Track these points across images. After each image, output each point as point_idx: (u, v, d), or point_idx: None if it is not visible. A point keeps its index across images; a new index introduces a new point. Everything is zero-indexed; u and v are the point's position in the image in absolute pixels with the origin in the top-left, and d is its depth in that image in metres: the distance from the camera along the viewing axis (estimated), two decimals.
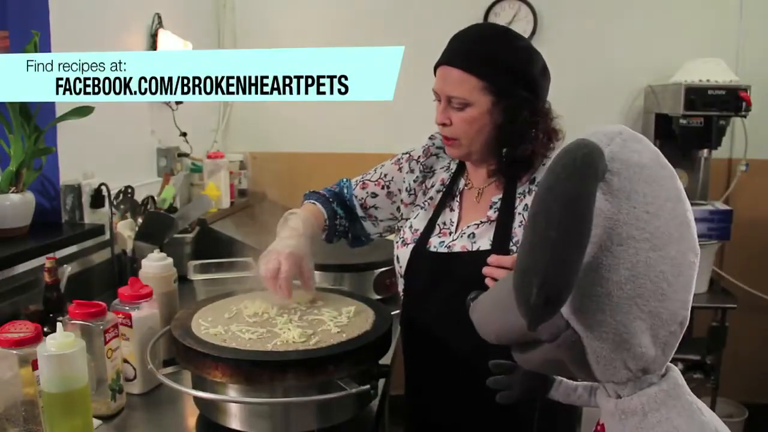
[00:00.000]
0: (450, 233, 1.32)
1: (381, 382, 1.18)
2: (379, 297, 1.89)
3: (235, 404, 1.08)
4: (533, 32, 2.88)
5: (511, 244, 1.22)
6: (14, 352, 1.03)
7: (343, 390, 1.05)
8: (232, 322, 1.18)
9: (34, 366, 1.02)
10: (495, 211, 1.27)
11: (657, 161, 0.68)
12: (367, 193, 1.45)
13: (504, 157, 1.26)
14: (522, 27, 2.88)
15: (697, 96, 2.45)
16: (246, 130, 3.08)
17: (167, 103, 2.41)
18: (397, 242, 1.41)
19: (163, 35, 2.29)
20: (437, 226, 1.34)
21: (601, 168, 0.63)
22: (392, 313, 1.28)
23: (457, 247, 1.28)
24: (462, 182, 1.37)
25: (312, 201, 1.43)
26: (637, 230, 0.65)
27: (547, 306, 0.59)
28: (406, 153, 1.47)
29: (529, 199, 1.26)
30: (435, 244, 1.32)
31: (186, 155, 2.50)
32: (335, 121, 3.04)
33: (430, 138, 1.46)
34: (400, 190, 1.43)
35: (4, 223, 1.57)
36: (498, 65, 1.21)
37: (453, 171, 1.39)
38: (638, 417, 0.69)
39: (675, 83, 2.53)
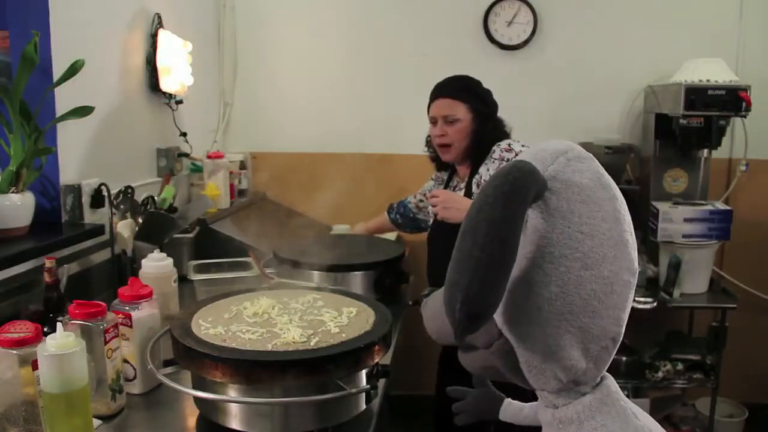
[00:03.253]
0: None
1: (381, 382, 1.18)
2: (379, 297, 1.89)
3: (235, 404, 1.08)
4: (533, 32, 2.88)
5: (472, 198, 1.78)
6: (14, 352, 1.03)
7: (343, 390, 1.05)
8: (232, 322, 1.18)
9: (34, 366, 1.02)
10: (460, 190, 2.00)
11: (599, 182, 0.70)
12: (417, 199, 2.35)
13: (476, 147, 1.94)
14: (522, 27, 2.89)
15: (697, 96, 2.45)
16: (246, 130, 3.08)
17: (167, 103, 2.41)
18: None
19: (163, 35, 2.29)
20: None
21: (533, 191, 0.64)
22: (392, 312, 1.28)
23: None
24: (455, 178, 2.10)
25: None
26: (570, 249, 0.67)
27: (470, 321, 0.60)
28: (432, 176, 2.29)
29: (482, 170, 1.91)
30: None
31: (186, 155, 2.50)
32: (335, 122, 3.05)
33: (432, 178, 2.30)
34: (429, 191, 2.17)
35: (4, 223, 1.57)
36: (473, 95, 1.96)
37: (447, 175, 2.13)
38: (574, 426, 0.71)
39: (675, 83, 2.53)
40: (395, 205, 2.41)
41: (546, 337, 0.68)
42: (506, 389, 1.08)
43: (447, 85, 2.00)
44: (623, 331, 0.71)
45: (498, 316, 0.70)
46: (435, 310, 0.81)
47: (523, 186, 0.62)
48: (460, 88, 1.96)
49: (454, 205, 1.83)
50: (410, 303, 1.94)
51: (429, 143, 2.10)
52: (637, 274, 0.71)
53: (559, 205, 0.67)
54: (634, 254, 0.71)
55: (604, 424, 0.70)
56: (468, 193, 1.92)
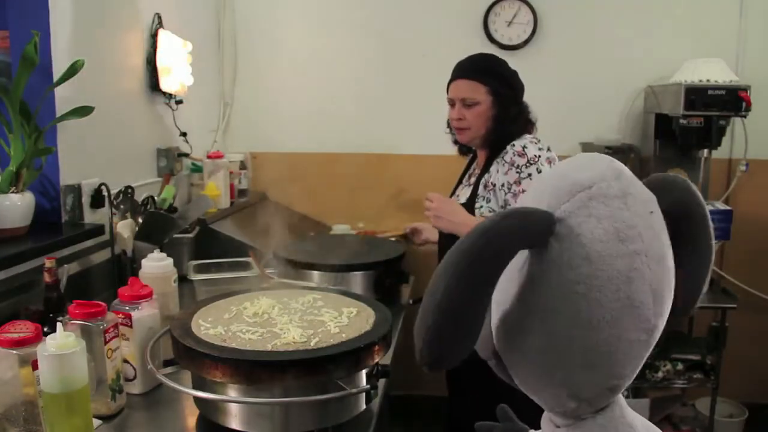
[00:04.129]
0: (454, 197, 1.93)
1: (381, 382, 1.18)
2: (379, 297, 1.89)
3: (235, 404, 1.08)
4: (533, 32, 2.88)
5: (476, 199, 1.80)
6: (14, 352, 1.03)
7: (343, 390, 1.05)
8: (232, 323, 1.18)
9: (34, 366, 1.02)
10: (474, 178, 1.87)
11: (616, 234, 0.60)
12: None
13: (492, 136, 1.79)
14: (522, 27, 2.89)
15: (697, 96, 2.45)
16: (246, 130, 3.08)
17: (167, 103, 2.41)
18: None
19: (163, 35, 2.29)
20: (453, 196, 1.96)
21: (508, 256, 0.58)
22: (392, 312, 1.28)
23: None
24: (474, 165, 1.97)
25: None
26: (562, 306, 0.60)
27: (428, 367, 0.58)
28: None
29: (493, 168, 1.78)
30: None
31: (186, 155, 2.50)
32: (335, 121, 3.05)
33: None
34: None
35: (4, 223, 1.57)
36: (496, 76, 1.80)
37: (469, 159, 2.02)
38: None
39: (675, 83, 2.53)
40: None
41: (535, 377, 0.65)
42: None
43: (468, 64, 1.85)
44: (629, 381, 0.65)
45: (495, 339, 0.68)
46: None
47: (495, 252, 0.57)
48: (481, 69, 1.80)
49: (445, 216, 1.77)
50: (410, 303, 1.94)
51: (449, 125, 1.94)
52: (654, 332, 0.63)
53: (558, 256, 0.60)
54: (650, 313, 0.62)
55: None
56: (474, 193, 1.82)
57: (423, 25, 2.96)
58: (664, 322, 0.64)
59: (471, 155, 2.00)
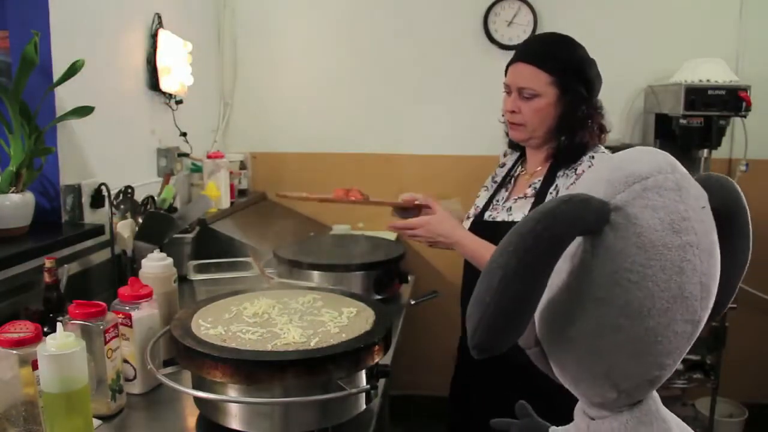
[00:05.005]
0: (499, 209, 1.58)
1: (381, 382, 1.18)
2: (379, 297, 1.89)
3: (235, 404, 1.08)
4: (533, 32, 2.88)
5: None
6: (14, 352, 1.03)
7: (343, 390, 1.05)
8: (232, 323, 1.18)
9: (34, 366, 1.02)
10: (532, 190, 1.52)
11: (671, 225, 0.61)
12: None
13: (562, 144, 1.49)
14: (522, 27, 2.89)
15: (697, 96, 2.45)
16: (246, 130, 3.08)
17: (167, 103, 2.41)
18: (465, 221, 1.67)
19: (163, 35, 2.29)
20: (492, 203, 1.61)
21: (566, 242, 0.59)
22: (392, 312, 1.28)
23: (499, 218, 1.55)
24: (519, 168, 1.64)
25: None
26: (612, 295, 0.61)
27: (478, 353, 0.60)
28: (490, 176, 1.75)
29: (560, 182, 1.48)
30: (487, 217, 1.59)
31: (186, 155, 2.50)
32: (335, 121, 3.05)
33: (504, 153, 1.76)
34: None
35: (4, 223, 1.57)
36: (565, 65, 1.46)
37: (515, 160, 1.67)
38: None
39: (675, 83, 2.53)
40: None
41: (578, 365, 0.65)
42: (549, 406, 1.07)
43: (533, 45, 1.54)
44: (669, 374, 0.66)
45: (537, 327, 0.68)
46: None
47: (554, 237, 0.57)
48: (549, 54, 1.47)
49: (440, 239, 1.50)
50: (411, 303, 1.94)
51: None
52: (699, 323, 0.64)
53: (613, 244, 0.61)
54: (698, 306, 0.63)
55: None
56: (538, 201, 1.49)
57: (423, 25, 2.96)
58: (707, 317, 0.65)
59: (519, 154, 1.68)
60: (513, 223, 1.40)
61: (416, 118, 3.01)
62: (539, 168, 1.55)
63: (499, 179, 1.67)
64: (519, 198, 1.54)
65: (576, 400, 0.80)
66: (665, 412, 0.70)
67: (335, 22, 3.01)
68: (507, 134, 1.62)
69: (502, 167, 1.71)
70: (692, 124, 2.49)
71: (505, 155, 1.73)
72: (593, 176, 0.68)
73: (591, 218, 0.60)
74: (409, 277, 2.15)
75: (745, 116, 2.52)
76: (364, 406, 1.17)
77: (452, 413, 1.69)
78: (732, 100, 2.44)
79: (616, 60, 2.92)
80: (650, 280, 0.60)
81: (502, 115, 1.61)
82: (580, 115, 1.46)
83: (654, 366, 0.64)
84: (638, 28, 2.88)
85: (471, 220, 1.64)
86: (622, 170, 0.63)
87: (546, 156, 1.54)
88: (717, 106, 2.45)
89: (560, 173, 1.48)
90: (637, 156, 0.65)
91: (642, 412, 0.67)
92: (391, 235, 2.61)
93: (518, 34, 2.88)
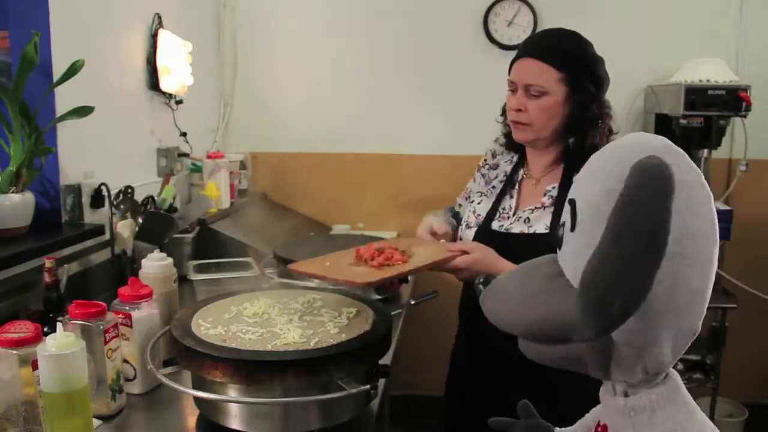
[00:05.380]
0: (508, 217, 1.48)
1: (381, 382, 1.18)
2: (379, 297, 1.89)
3: (235, 404, 1.08)
4: (533, 32, 2.88)
5: None
6: (14, 352, 1.03)
7: (343, 390, 1.05)
8: (232, 323, 1.18)
9: (34, 366, 1.02)
10: (549, 198, 1.42)
11: (699, 182, 0.70)
12: (458, 205, 1.75)
13: (571, 146, 1.42)
14: (522, 27, 2.89)
15: (697, 96, 2.45)
16: (246, 130, 3.08)
17: (167, 103, 2.41)
18: (461, 226, 1.59)
19: (163, 35, 2.29)
20: (498, 212, 1.50)
21: (674, 187, 0.64)
22: (392, 312, 1.28)
23: (515, 230, 1.44)
24: (521, 172, 1.53)
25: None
26: (681, 247, 0.67)
27: (622, 321, 0.62)
28: (479, 163, 1.66)
29: None
30: (495, 227, 1.48)
31: (186, 155, 2.50)
32: (335, 121, 3.05)
33: (495, 141, 1.63)
34: (472, 191, 1.65)
35: (4, 223, 1.57)
36: (575, 61, 1.38)
37: (514, 162, 1.55)
38: (647, 413, 0.72)
39: (675, 83, 2.53)
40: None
41: (649, 332, 0.69)
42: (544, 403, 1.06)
43: (540, 40, 1.45)
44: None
45: None
46: (515, 303, 0.78)
47: (674, 182, 0.61)
48: (558, 49, 1.38)
49: (483, 269, 1.32)
50: (411, 303, 1.94)
51: (504, 112, 1.54)
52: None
53: (678, 204, 0.65)
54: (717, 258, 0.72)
55: (674, 414, 0.72)
56: (558, 210, 1.37)
57: (423, 25, 2.96)
58: None
59: (518, 154, 1.56)
60: (534, 235, 1.38)
61: (416, 118, 3.02)
62: (547, 172, 1.47)
63: (497, 183, 1.55)
64: (536, 208, 1.43)
65: (578, 400, 0.80)
66: (686, 392, 0.75)
67: (335, 22, 3.01)
68: (505, 135, 1.55)
69: (494, 168, 1.59)
70: (692, 124, 2.49)
71: (494, 156, 1.61)
72: (615, 157, 0.71)
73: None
74: (409, 277, 2.14)
75: (745, 116, 2.52)
76: (364, 406, 1.17)
77: (449, 413, 1.68)
78: (732, 100, 2.44)
79: (616, 60, 2.90)
80: (700, 229, 0.68)
81: (501, 114, 1.54)
82: (591, 115, 1.38)
83: (698, 318, 0.71)
84: (638, 28, 2.88)
85: (474, 228, 1.51)
86: (647, 145, 0.69)
87: (552, 159, 1.46)
88: (717, 106, 2.45)
89: (576, 177, 1.41)
90: (643, 137, 0.72)
91: (672, 385, 0.73)
92: (391, 235, 2.62)
93: (518, 34, 2.88)
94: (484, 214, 1.51)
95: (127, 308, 1.25)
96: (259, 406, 1.08)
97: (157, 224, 1.84)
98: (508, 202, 1.50)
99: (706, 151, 2.62)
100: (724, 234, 2.46)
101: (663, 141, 0.71)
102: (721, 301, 2.55)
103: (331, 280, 1.28)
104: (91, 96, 1.79)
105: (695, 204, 0.68)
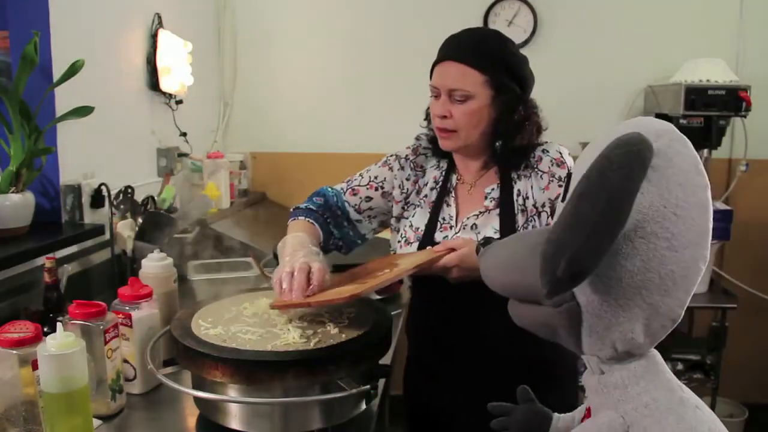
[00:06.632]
0: (451, 227, 1.39)
1: (381, 382, 1.18)
2: (379, 297, 1.89)
3: (235, 404, 1.08)
4: (533, 32, 2.88)
5: (526, 226, 1.33)
6: (14, 352, 1.03)
7: (343, 390, 1.05)
8: (232, 323, 1.18)
9: (34, 366, 1.02)
10: (491, 201, 1.37)
11: (696, 168, 0.71)
12: (360, 198, 1.48)
13: (498, 149, 1.36)
14: (522, 27, 2.89)
15: (697, 96, 2.45)
16: (246, 130, 3.08)
17: (167, 103, 2.41)
18: (399, 242, 1.46)
19: (163, 35, 2.29)
20: (438, 222, 1.41)
21: (648, 165, 0.66)
22: (392, 312, 1.28)
23: (465, 238, 1.34)
24: (454, 178, 1.44)
25: (309, 220, 1.43)
26: (662, 228, 0.68)
27: (570, 281, 0.64)
28: (393, 155, 1.51)
29: (521, 185, 1.35)
30: (439, 238, 1.38)
31: (186, 155, 2.50)
32: (335, 121, 3.05)
33: (416, 138, 1.52)
34: (393, 187, 1.48)
35: (4, 223, 1.57)
36: (498, 62, 1.31)
37: (444, 169, 1.46)
38: (619, 390, 0.73)
39: (675, 83, 2.53)
40: (322, 215, 1.47)
41: (617, 307, 0.70)
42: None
43: (462, 41, 1.34)
44: (681, 317, 0.73)
45: None
46: (503, 264, 0.83)
47: (646, 158, 0.64)
48: (480, 51, 1.30)
49: (474, 264, 1.17)
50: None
51: (428, 117, 1.47)
52: (707, 262, 0.73)
53: (658, 182, 0.68)
54: (710, 242, 0.72)
55: (648, 389, 0.72)
56: (510, 219, 1.34)
57: (422, 25, 2.96)
58: None
59: (447, 162, 1.47)
60: (489, 239, 1.23)
61: (416, 118, 3.01)
62: (481, 176, 1.40)
63: (428, 192, 1.44)
64: (480, 213, 1.36)
65: (568, 393, 0.81)
66: (669, 371, 0.76)
67: (335, 22, 3.01)
68: (429, 140, 1.46)
69: (420, 172, 1.47)
70: (692, 124, 2.49)
71: (416, 154, 1.48)
72: (616, 132, 0.72)
73: (651, 156, 0.67)
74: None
75: (745, 116, 2.52)
76: (364, 406, 1.17)
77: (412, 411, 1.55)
78: (732, 100, 2.44)
79: (616, 60, 2.94)
80: (688, 214, 0.69)
81: (425, 119, 1.48)
82: (518, 118, 1.32)
83: (679, 304, 0.71)
84: (638, 28, 2.88)
85: (414, 243, 1.40)
86: (649, 127, 0.71)
87: (483, 162, 1.40)
88: (717, 106, 2.45)
89: (515, 176, 1.36)
90: (647, 120, 0.74)
91: (650, 362, 0.74)
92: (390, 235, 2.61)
93: (518, 34, 2.88)
94: (423, 227, 1.41)
95: (127, 308, 1.25)
96: (259, 406, 1.08)
97: (157, 224, 1.85)
98: (447, 212, 1.41)
99: (706, 151, 2.62)
100: (724, 234, 2.46)
101: (666, 125, 0.73)
102: (721, 301, 2.55)
103: (317, 304, 1.18)
104: (91, 96, 1.79)
105: (686, 189, 0.69)
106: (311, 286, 1.19)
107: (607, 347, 0.72)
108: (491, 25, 2.89)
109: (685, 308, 0.72)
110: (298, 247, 1.30)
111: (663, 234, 0.68)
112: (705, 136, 2.50)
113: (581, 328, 0.72)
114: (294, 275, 1.20)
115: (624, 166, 0.62)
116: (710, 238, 0.72)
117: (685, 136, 0.73)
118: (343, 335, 1.12)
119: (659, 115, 2.66)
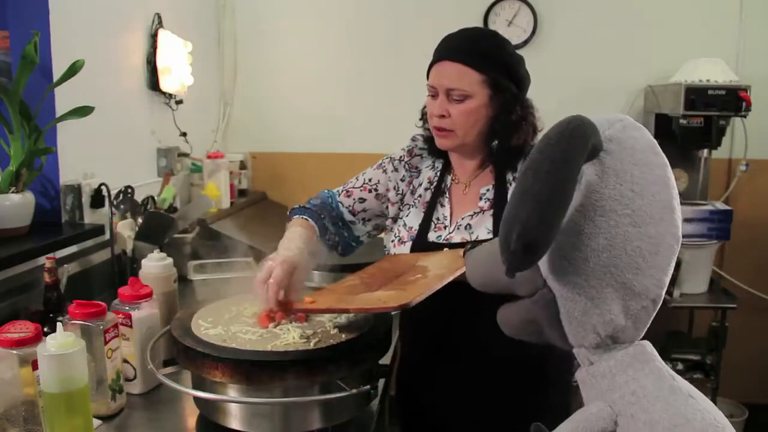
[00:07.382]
0: (445, 227, 1.39)
1: (381, 382, 1.18)
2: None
3: (235, 404, 1.08)
4: (533, 32, 2.88)
5: None
6: (14, 352, 1.03)
7: (343, 390, 1.05)
8: (232, 323, 1.18)
9: (34, 366, 1.02)
10: (486, 201, 1.36)
11: (651, 149, 0.74)
12: (353, 199, 1.49)
13: (495, 149, 1.38)
14: (522, 27, 2.89)
15: (697, 96, 2.45)
16: (246, 130, 3.08)
17: (167, 103, 2.41)
18: (392, 241, 1.45)
19: (163, 35, 2.29)
20: (432, 222, 1.41)
21: (591, 141, 0.68)
22: (392, 313, 1.28)
23: (456, 239, 1.35)
24: (449, 178, 1.44)
25: (304, 216, 1.44)
26: (621, 205, 0.71)
27: (525, 254, 0.65)
28: (387, 157, 1.52)
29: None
30: (433, 238, 1.38)
31: (186, 155, 2.50)
32: (335, 121, 3.05)
33: (412, 139, 1.53)
34: (387, 189, 1.48)
35: (4, 223, 1.57)
36: (495, 62, 1.32)
37: (439, 169, 1.46)
38: (607, 380, 0.73)
39: (675, 83, 2.53)
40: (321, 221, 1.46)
41: (589, 288, 0.71)
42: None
43: (460, 42, 1.35)
44: (663, 295, 0.74)
45: (544, 265, 0.74)
46: (481, 259, 0.86)
47: (584, 134, 0.67)
48: (479, 50, 1.31)
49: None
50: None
51: (424, 117, 1.47)
52: (680, 242, 0.74)
53: (612, 164, 0.71)
54: (679, 222, 0.74)
55: (635, 378, 0.72)
56: (498, 211, 1.34)
57: (422, 25, 2.95)
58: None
59: (442, 163, 1.47)
60: (478, 241, 1.29)
61: (416, 118, 3.01)
62: (476, 176, 1.40)
63: (423, 192, 1.44)
64: (475, 213, 1.36)
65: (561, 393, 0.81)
66: (661, 361, 0.75)
67: (335, 22, 3.01)
68: (425, 140, 1.46)
69: (415, 173, 1.48)
70: (692, 124, 2.49)
71: (411, 155, 1.49)
72: None
73: (597, 133, 0.70)
74: None
75: (745, 116, 2.52)
76: (364, 406, 1.17)
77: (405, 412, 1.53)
78: (732, 100, 2.44)
79: (616, 60, 2.93)
80: (647, 191, 0.71)
81: (420, 119, 1.48)
82: (515, 117, 1.33)
83: (655, 282, 0.72)
84: (638, 28, 2.88)
85: (408, 243, 1.40)
86: (601, 118, 0.75)
87: (479, 162, 1.40)
88: (717, 106, 2.45)
89: (510, 176, 1.37)
90: (604, 114, 0.77)
91: (638, 350, 0.74)
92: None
93: (518, 35, 2.88)
94: (416, 227, 1.41)
95: (127, 308, 1.25)
96: (259, 406, 1.08)
97: (157, 224, 1.84)
98: (441, 212, 1.41)
99: (706, 151, 2.63)
100: (724, 234, 2.46)
101: (619, 115, 0.77)
102: (721, 301, 2.55)
103: (356, 311, 1.14)
104: (91, 96, 1.79)
105: (641, 168, 0.72)
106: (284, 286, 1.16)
107: (590, 333, 0.73)
108: (491, 25, 2.89)
109: (664, 288, 0.73)
110: (289, 245, 1.29)
111: (623, 210, 0.70)
112: (705, 136, 2.50)
113: (560, 316, 0.73)
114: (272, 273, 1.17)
115: (561, 140, 0.66)
116: (676, 214, 0.73)
117: (639, 124, 0.76)
118: (343, 335, 1.12)
119: (659, 115, 2.66)
